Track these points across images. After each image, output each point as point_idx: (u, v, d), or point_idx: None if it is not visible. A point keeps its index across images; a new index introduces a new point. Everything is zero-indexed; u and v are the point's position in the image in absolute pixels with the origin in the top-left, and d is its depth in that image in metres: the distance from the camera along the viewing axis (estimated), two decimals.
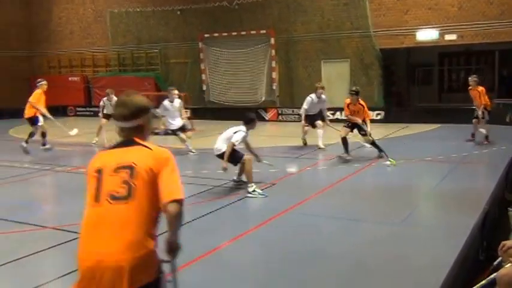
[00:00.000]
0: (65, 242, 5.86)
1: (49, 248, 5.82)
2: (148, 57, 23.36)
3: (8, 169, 10.84)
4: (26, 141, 12.69)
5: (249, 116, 8.50)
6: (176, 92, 12.64)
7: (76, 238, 5.73)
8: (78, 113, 23.68)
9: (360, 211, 7.18)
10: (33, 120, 12.70)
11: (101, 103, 14.93)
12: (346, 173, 9.53)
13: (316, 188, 8.48)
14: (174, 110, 12.28)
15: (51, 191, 9.32)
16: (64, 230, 6.35)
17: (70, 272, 4.86)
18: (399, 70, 19.82)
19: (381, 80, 18.64)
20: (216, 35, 20.67)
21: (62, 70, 25.71)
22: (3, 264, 5.30)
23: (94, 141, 14.15)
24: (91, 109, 22.72)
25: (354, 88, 11.19)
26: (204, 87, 21.44)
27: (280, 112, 19.35)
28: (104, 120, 14.47)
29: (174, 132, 12.44)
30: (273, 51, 19.80)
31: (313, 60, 19.58)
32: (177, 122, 12.32)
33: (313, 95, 12.45)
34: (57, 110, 18.60)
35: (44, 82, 12.91)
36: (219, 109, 19.80)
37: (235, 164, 8.29)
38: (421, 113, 17.73)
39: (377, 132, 15.33)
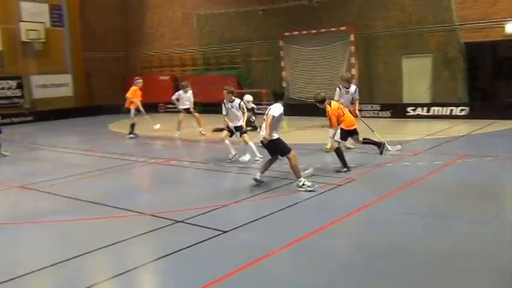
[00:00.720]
0: (160, 228, 6.56)
1: (146, 232, 6.44)
2: (231, 56, 24.23)
3: (109, 160, 12.00)
4: (130, 133, 15.25)
5: (282, 90, 8.98)
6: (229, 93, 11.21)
7: (171, 224, 6.58)
8: (167, 109, 25.12)
9: (444, 208, 6.98)
10: (129, 112, 15.13)
11: (175, 96, 15.96)
12: (429, 170, 9.39)
13: (397, 184, 8.36)
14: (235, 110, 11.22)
15: (146, 181, 10.16)
16: (159, 217, 7.03)
17: (164, 256, 5.56)
18: (485, 64, 19.15)
19: (465, 74, 18.16)
20: (296, 33, 21.09)
21: (154, 70, 27.34)
22: (106, 247, 5.92)
23: (176, 135, 15.25)
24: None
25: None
26: (284, 84, 21.94)
27: (359, 108, 19.37)
28: (182, 115, 15.72)
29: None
30: (352, 48, 19.87)
31: (394, 55, 19.44)
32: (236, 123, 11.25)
33: (340, 85, 12.07)
34: (149, 107, 19.92)
35: (140, 80, 15.04)
36: (298, 105, 20.14)
37: (282, 155, 8.50)
38: (509, 108, 17.04)
39: (460, 128, 15.11)
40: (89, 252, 5.79)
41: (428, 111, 18.06)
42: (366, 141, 10.47)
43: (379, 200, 7.45)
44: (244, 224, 6.54)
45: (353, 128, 9.98)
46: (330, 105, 9.82)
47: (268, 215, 6.93)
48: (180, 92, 15.97)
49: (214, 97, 20.45)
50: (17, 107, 23.69)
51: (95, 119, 23.57)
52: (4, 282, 5.04)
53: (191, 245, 5.79)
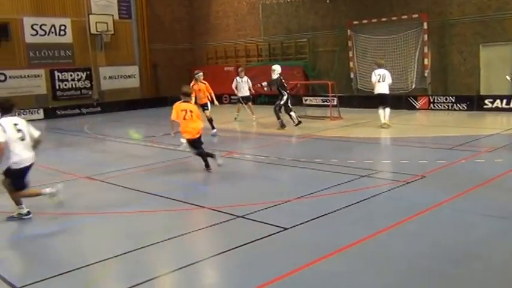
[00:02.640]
0: (221, 223, 6.44)
1: (206, 227, 6.39)
2: (297, 46, 23.80)
3: (172, 152, 11.96)
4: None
5: (10, 102, 7.16)
6: None
7: (231, 219, 6.40)
8: (232, 101, 25.11)
9: None
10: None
11: (234, 84, 17.21)
12: (507, 167, 8.68)
13: (471, 182, 7.80)
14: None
15: (207, 174, 10.00)
16: (220, 211, 6.90)
17: (224, 251, 5.44)
18: None
19: None
20: (365, 21, 20.33)
21: (219, 61, 27.38)
22: (166, 240, 5.90)
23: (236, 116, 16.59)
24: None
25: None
26: (352, 75, 21.28)
27: (432, 100, 18.48)
28: (239, 105, 17.10)
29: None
30: (426, 36, 18.89)
31: (470, 44, 18.28)
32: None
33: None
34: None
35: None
36: (366, 97, 19.49)
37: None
38: None
39: None
40: (151, 244, 5.82)
41: (508, 103, 16.81)
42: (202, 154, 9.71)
43: (451, 199, 7.00)
44: (307, 221, 6.29)
45: (190, 137, 9.50)
46: (180, 102, 9.52)
47: (332, 212, 6.65)
48: (237, 78, 17.13)
49: None
50: (86, 98, 24.48)
51: (160, 110, 23.80)
52: (69, 271, 5.10)
53: (251, 241, 5.67)
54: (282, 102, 14.50)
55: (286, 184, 8.57)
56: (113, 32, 24.79)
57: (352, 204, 6.93)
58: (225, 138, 14.14)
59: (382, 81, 13.87)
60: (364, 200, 7.17)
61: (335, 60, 21.97)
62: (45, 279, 4.97)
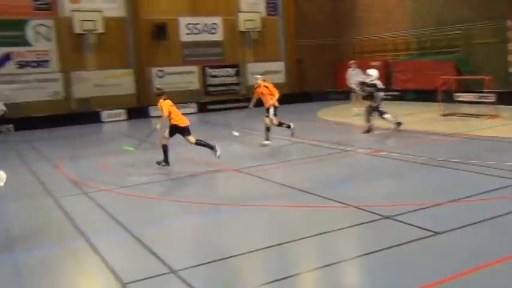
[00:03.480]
0: (366, 222, 6.28)
1: (351, 226, 6.26)
2: (448, 39, 22.35)
3: (317, 148, 12.01)
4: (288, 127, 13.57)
5: None
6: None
7: (377, 220, 6.22)
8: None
9: None
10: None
11: (347, 76, 18.38)
12: None
13: None
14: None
15: (354, 171, 9.76)
16: (365, 210, 6.74)
17: (368, 253, 5.29)
18: None
19: None
20: None
21: (365, 55, 26.74)
22: (310, 237, 5.90)
23: (354, 114, 16.90)
24: (391, 93, 22.98)
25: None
26: (511, 70, 19.41)
27: None
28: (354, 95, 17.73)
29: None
30: None
31: None
32: None
33: None
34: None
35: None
36: None
37: None
38: None
39: None
40: (294, 240, 5.85)
41: None
42: (198, 143, 10.62)
43: None
44: (462, 226, 5.87)
45: (183, 125, 10.38)
46: (164, 100, 10.35)
47: (489, 218, 6.11)
48: (350, 69, 18.27)
49: (428, 84, 19.25)
50: (233, 94, 25.57)
51: (304, 106, 24.04)
52: (216, 261, 5.35)
53: (397, 245, 5.45)
54: (375, 104, 13.64)
55: (437, 186, 8.07)
56: (260, 29, 25.57)
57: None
58: (371, 135, 13.78)
59: None
60: None
61: (492, 53, 20.20)
62: (195, 266, 5.29)
